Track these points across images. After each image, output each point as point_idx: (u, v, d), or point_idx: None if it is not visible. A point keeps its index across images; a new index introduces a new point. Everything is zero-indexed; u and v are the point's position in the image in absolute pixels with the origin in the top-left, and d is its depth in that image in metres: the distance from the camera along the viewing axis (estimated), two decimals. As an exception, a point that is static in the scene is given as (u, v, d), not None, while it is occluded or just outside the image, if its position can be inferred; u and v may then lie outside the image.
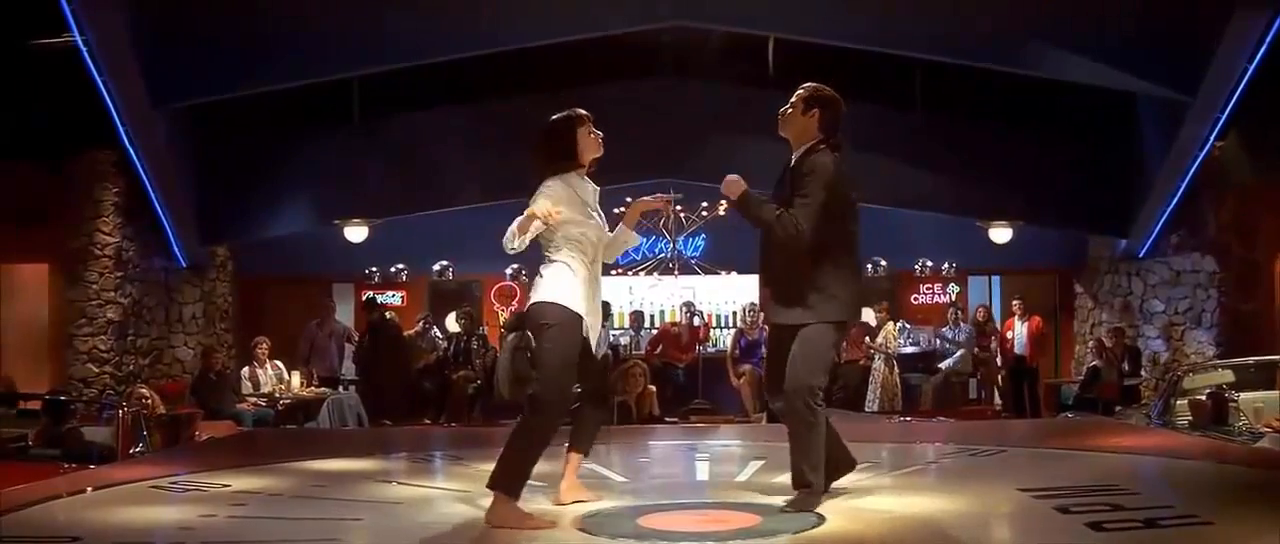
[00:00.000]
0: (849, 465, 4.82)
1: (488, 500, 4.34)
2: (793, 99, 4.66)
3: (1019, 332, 13.42)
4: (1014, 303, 13.72)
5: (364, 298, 14.10)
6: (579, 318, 4.38)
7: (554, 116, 4.57)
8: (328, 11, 11.58)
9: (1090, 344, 13.35)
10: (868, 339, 12.88)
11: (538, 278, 4.49)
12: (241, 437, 8.99)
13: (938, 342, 13.76)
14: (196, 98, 11.95)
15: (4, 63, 11.24)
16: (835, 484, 4.75)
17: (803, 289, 4.54)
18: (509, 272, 14.56)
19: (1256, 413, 8.16)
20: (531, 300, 4.47)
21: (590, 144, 4.53)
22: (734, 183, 4.55)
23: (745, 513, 4.43)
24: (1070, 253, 14.80)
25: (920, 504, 4.68)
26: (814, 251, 4.50)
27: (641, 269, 14.00)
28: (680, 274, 13.93)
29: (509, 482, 4.27)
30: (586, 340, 4.46)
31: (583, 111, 4.57)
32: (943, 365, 13.43)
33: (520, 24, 11.53)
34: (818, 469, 4.49)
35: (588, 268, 4.47)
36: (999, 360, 13.71)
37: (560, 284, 4.40)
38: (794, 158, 4.64)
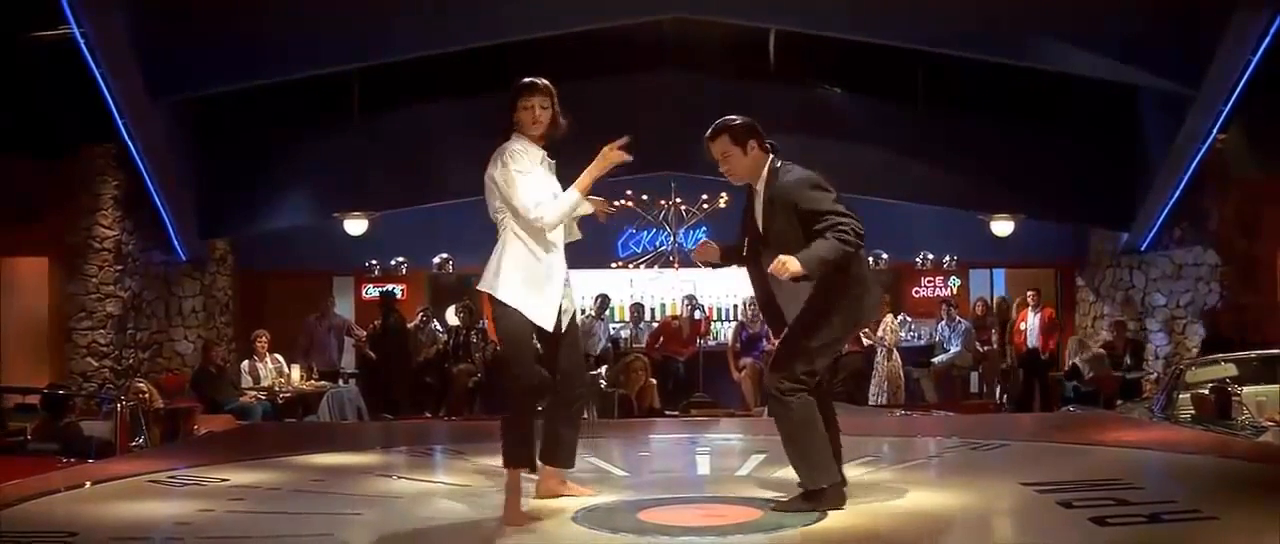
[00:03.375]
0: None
1: (488, 495, 4.34)
2: (719, 149, 4.50)
3: (1032, 323, 13.39)
4: (1028, 294, 13.66)
5: (380, 292, 14.07)
6: (531, 323, 4.32)
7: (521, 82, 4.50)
8: (327, 4, 11.55)
9: (1072, 342, 13.27)
10: (867, 331, 12.83)
11: (501, 251, 4.39)
12: (240, 431, 8.98)
13: (937, 335, 13.74)
14: (195, 91, 11.92)
15: (2, 57, 11.19)
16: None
17: (803, 294, 4.42)
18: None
19: (1259, 407, 8.11)
20: (497, 291, 4.34)
21: (535, 116, 4.44)
22: (784, 266, 4.20)
23: (746, 507, 4.41)
24: (1072, 246, 14.77)
25: (923, 499, 4.66)
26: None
27: (642, 262, 13.98)
28: (681, 267, 13.91)
29: (511, 458, 4.31)
30: (551, 325, 4.39)
31: (539, 82, 4.48)
32: (935, 360, 13.42)
33: (521, 16, 11.49)
34: (810, 465, 4.31)
35: (542, 240, 4.37)
36: (1005, 354, 13.66)
37: (508, 270, 4.33)
38: (761, 188, 4.45)
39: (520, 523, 4.22)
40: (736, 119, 4.51)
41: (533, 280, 4.34)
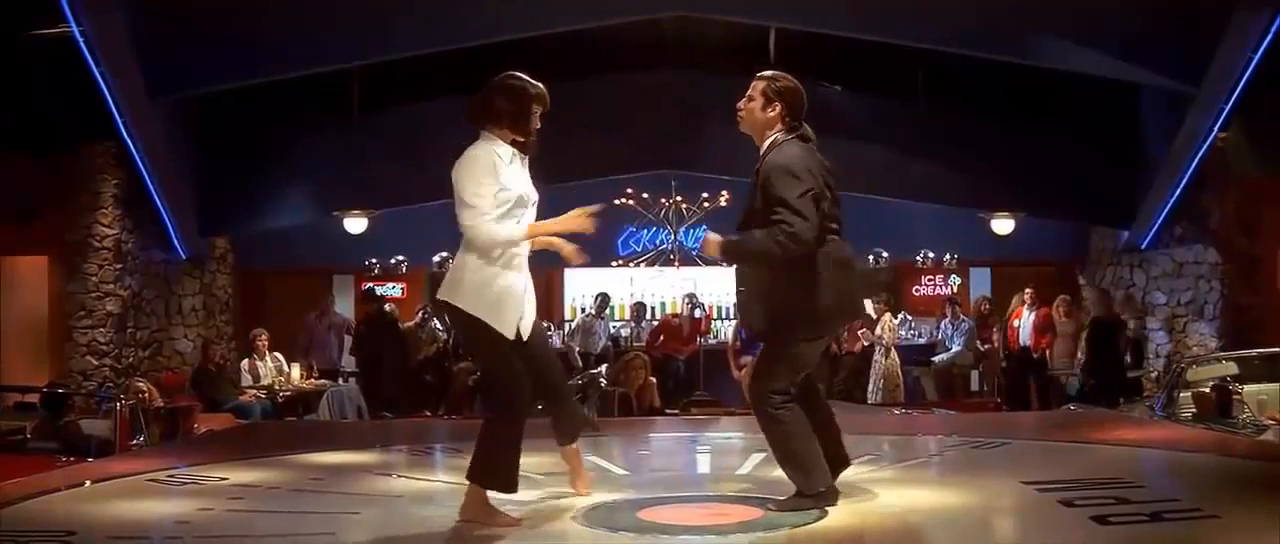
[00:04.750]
0: (842, 464, 4.62)
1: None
2: (749, 91, 4.43)
3: (1026, 321, 13.34)
4: (1026, 292, 13.57)
5: (363, 288, 14.09)
6: (502, 334, 4.19)
7: (522, 77, 4.37)
8: (327, 2, 11.53)
9: (1084, 337, 13.26)
10: (865, 330, 12.82)
11: (461, 260, 4.24)
12: (240, 429, 8.98)
13: (939, 334, 13.72)
14: (195, 89, 11.90)
15: (2, 55, 11.18)
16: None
17: (769, 300, 4.30)
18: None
19: (1260, 405, 8.10)
20: (455, 300, 4.20)
21: (535, 125, 4.35)
22: (708, 242, 4.33)
23: (747, 506, 4.40)
24: (1072, 244, 14.75)
25: (923, 498, 4.65)
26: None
27: (643, 260, 13.97)
28: (681, 265, 13.90)
29: (484, 478, 4.22)
30: (521, 333, 4.30)
31: (542, 89, 4.38)
32: (935, 359, 13.39)
33: (520, 14, 11.47)
34: (805, 471, 4.29)
35: (505, 250, 4.24)
36: (1001, 351, 13.64)
37: (470, 280, 4.18)
38: (760, 155, 4.36)
39: (507, 522, 4.20)
40: (785, 79, 4.45)
41: (494, 289, 4.20)
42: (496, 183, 4.17)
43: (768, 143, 4.37)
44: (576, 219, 4.33)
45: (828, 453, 4.47)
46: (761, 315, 4.36)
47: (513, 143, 4.32)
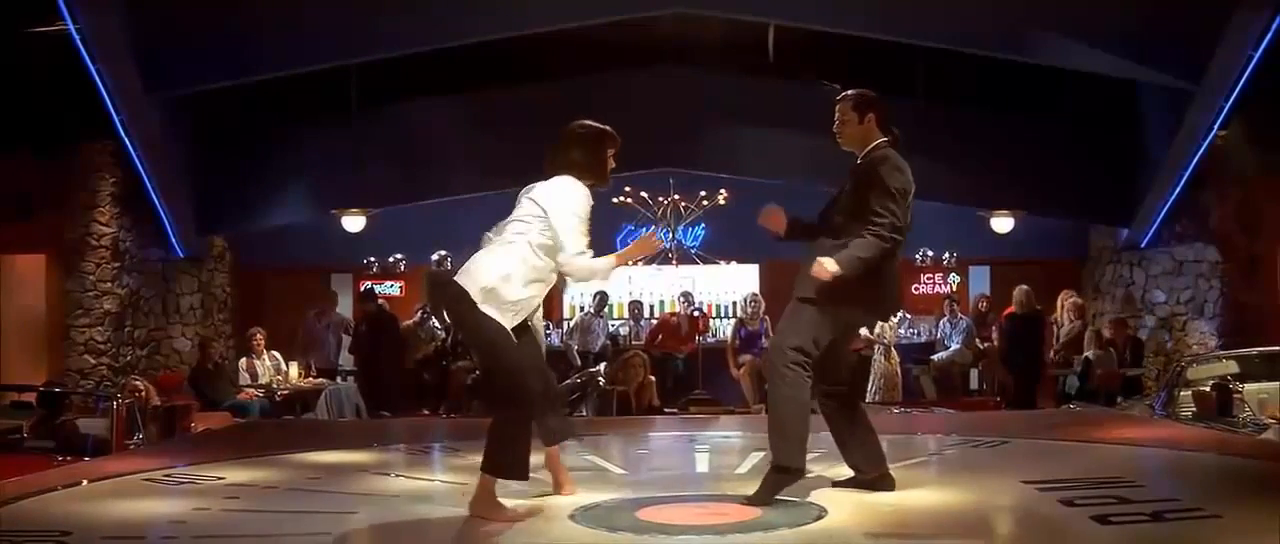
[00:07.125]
0: (885, 486, 4.63)
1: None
2: (840, 113, 4.69)
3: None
4: (1018, 290, 13.53)
5: (361, 288, 14.06)
6: (506, 329, 4.25)
7: (591, 125, 4.50)
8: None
9: (1088, 335, 13.26)
10: (863, 329, 12.78)
11: (493, 255, 4.32)
12: (237, 428, 8.96)
13: (938, 332, 13.70)
14: (192, 87, 11.86)
15: (-2, 53, 11.18)
16: (844, 482, 4.68)
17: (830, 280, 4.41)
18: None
19: (1260, 404, 8.08)
20: (472, 285, 4.24)
21: (611, 166, 4.53)
22: (822, 268, 4.36)
23: (745, 506, 4.38)
24: (1072, 243, 14.73)
25: (923, 497, 4.64)
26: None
27: (640, 259, 13.92)
28: (679, 264, 13.87)
29: (497, 469, 4.25)
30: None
31: (611, 130, 4.54)
32: (934, 357, 13.37)
33: (519, 11, 11.44)
34: (785, 440, 4.36)
35: (546, 273, 4.34)
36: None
37: (502, 279, 4.24)
38: (859, 160, 4.67)
39: (513, 517, 4.20)
40: (864, 92, 4.74)
41: (514, 297, 4.26)
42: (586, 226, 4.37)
43: (870, 147, 4.67)
44: (647, 243, 4.65)
45: (869, 469, 4.61)
46: (815, 284, 4.44)
47: (591, 186, 4.45)
